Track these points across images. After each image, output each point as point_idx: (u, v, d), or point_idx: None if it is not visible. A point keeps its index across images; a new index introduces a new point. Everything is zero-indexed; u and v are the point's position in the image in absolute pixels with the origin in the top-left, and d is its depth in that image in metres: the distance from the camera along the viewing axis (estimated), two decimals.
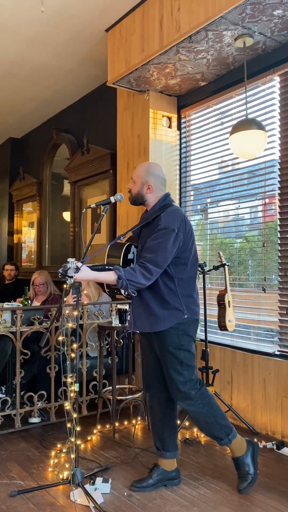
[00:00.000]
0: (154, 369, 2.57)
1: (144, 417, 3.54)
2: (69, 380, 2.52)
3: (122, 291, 2.45)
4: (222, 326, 3.35)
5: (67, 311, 3.61)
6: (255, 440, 3.14)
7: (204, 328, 3.48)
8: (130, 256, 2.58)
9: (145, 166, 2.59)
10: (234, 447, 2.52)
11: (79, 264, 2.30)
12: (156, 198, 2.54)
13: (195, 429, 3.33)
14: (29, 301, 4.06)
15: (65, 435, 3.26)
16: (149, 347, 2.57)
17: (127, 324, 3.45)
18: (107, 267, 2.41)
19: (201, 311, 3.57)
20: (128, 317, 3.22)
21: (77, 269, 2.28)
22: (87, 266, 2.34)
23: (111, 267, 2.36)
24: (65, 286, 2.46)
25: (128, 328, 2.60)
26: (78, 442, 2.66)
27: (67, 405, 2.59)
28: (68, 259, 2.28)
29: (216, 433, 2.50)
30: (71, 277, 2.26)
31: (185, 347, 2.44)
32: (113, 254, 2.53)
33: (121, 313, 3.52)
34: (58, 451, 3.02)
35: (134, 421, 3.54)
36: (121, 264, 2.48)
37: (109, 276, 2.30)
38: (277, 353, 3.31)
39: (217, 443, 2.56)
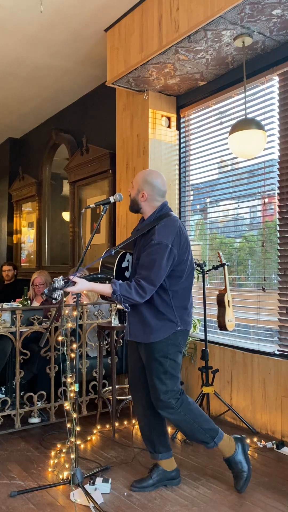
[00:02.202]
0: (139, 374, 2.58)
1: None
2: (69, 380, 2.52)
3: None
4: (222, 326, 3.35)
5: (66, 311, 3.61)
6: (255, 440, 3.14)
7: (204, 328, 3.48)
8: (124, 264, 2.57)
9: (144, 174, 2.54)
10: (222, 448, 2.51)
11: (76, 279, 2.32)
12: (152, 208, 2.52)
13: None
14: (29, 301, 4.06)
15: (65, 435, 3.25)
16: (136, 352, 2.57)
17: (126, 323, 3.45)
18: (100, 276, 2.42)
19: (201, 311, 3.59)
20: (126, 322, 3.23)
21: (71, 283, 2.31)
22: (83, 277, 2.37)
23: (105, 276, 2.38)
24: None
25: (125, 337, 2.61)
26: (78, 442, 2.66)
27: (67, 405, 2.59)
28: (54, 279, 2.29)
29: (201, 437, 2.49)
30: (56, 299, 2.28)
31: (172, 356, 2.44)
32: (108, 261, 2.53)
33: (121, 313, 3.52)
34: (58, 451, 3.02)
35: (134, 421, 3.54)
36: (114, 272, 2.48)
37: (105, 289, 2.34)
38: (276, 352, 3.31)
39: (205, 447, 2.55)
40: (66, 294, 2.32)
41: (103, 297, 2.53)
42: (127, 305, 2.37)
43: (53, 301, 2.30)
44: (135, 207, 2.57)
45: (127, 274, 2.57)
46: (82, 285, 2.34)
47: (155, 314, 2.43)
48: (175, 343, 2.45)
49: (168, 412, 2.46)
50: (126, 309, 2.40)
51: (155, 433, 2.58)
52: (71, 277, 2.32)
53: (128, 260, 2.60)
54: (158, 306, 2.42)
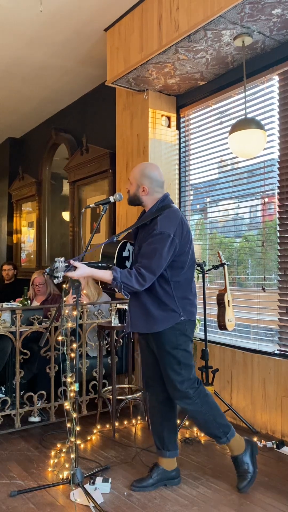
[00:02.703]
0: (153, 369, 2.57)
1: (144, 416, 3.54)
2: (68, 379, 2.52)
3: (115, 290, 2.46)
4: (222, 326, 3.35)
5: (66, 311, 3.61)
6: (255, 439, 3.14)
7: (204, 328, 3.48)
8: (125, 253, 2.58)
9: (141, 168, 2.55)
10: (232, 446, 2.52)
11: (76, 263, 2.31)
12: (153, 200, 2.53)
13: (195, 429, 3.33)
14: (29, 301, 4.06)
15: (65, 435, 3.25)
16: (147, 347, 2.57)
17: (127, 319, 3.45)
18: (100, 264, 2.42)
19: (201, 311, 3.59)
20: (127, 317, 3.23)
21: (72, 267, 2.30)
22: (84, 263, 2.36)
23: (106, 265, 2.38)
24: (64, 286, 2.46)
25: (125, 329, 2.61)
26: (78, 441, 2.66)
27: (67, 405, 2.60)
28: (56, 259, 2.28)
29: (215, 431, 2.50)
30: (58, 277, 2.27)
31: (183, 346, 2.45)
32: (108, 251, 2.53)
33: (121, 313, 3.52)
34: (58, 451, 3.02)
35: (134, 421, 3.54)
36: (115, 261, 2.48)
37: (106, 275, 2.33)
38: (276, 352, 3.32)
39: (216, 442, 2.56)
40: (74, 269, 2.30)
41: (103, 285, 2.51)
42: (127, 292, 2.36)
43: (55, 280, 2.27)
44: (136, 202, 2.57)
45: (127, 264, 2.58)
46: (82, 270, 2.32)
47: (158, 305, 2.42)
48: (184, 333, 2.45)
49: (185, 403, 2.45)
50: (126, 296, 2.39)
51: (167, 429, 2.58)
52: (71, 261, 2.30)
53: (128, 250, 2.60)
54: (161, 297, 2.42)
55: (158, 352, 2.48)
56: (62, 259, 2.29)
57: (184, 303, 2.45)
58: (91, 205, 2.55)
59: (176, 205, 2.58)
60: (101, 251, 2.54)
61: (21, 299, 3.99)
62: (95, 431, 3.37)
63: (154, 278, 2.35)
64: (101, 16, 3.74)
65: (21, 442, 3.19)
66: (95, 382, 3.66)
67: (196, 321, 3.80)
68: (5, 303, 3.82)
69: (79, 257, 2.39)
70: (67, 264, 2.29)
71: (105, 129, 4.84)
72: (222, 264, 3.41)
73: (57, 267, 2.26)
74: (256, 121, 3.14)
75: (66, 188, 5.97)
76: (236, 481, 2.52)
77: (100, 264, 2.43)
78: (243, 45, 3.19)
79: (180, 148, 4.25)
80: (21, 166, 6.64)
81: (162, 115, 4.14)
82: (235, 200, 3.82)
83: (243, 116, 3.22)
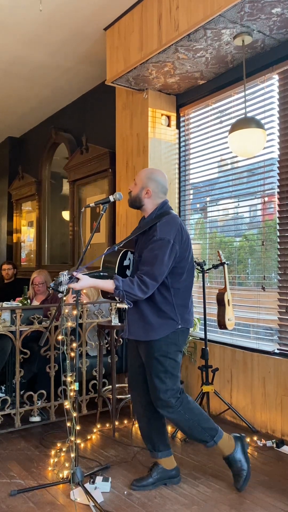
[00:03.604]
0: (138, 373, 2.57)
1: None
2: (68, 379, 2.52)
3: (117, 299, 2.46)
4: (222, 325, 3.35)
5: (66, 310, 3.61)
6: (255, 439, 3.14)
7: (203, 327, 3.48)
8: (126, 262, 2.58)
9: (148, 171, 2.59)
10: (222, 447, 2.51)
11: (79, 275, 2.32)
12: (154, 205, 2.53)
13: None
14: (29, 301, 4.06)
15: (65, 434, 3.26)
16: (135, 350, 2.57)
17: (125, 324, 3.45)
18: (101, 273, 2.43)
19: (201, 310, 3.59)
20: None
21: (75, 279, 2.32)
22: (85, 274, 2.37)
23: (107, 274, 2.39)
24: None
25: (123, 335, 2.61)
26: (78, 441, 2.66)
27: (67, 404, 2.60)
28: (60, 273, 2.30)
29: (201, 436, 2.49)
30: (62, 292, 2.29)
31: (172, 355, 2.44)
32: (109, 260, 2.53)
33: (121, 312, 3.52)
34: (58, 450, 3.02)
35: (134, 420, 3.54)
36: (116, 271, 2.48)
37: (108, 285, 2.33)
38: (276, 351, 3.32)
39: (204, 446, 2.55)
40: (76, 280, 2.33)
41: (104, 295, 2.52)
42: (129, 301, 2.36)
43: (59, 295, 2.30)
44: (136, 204, 2.57)
45: (128, 273, 2.57)
46: (85, 281, 2.34)
47: (156, 312, 2.42)
48: (175, 342, 2.45)
49: (167, 411, 2.45)
50: (129, 305, 2.39)
51: (155, 432, 2.58)
52: (74, 273, 2.32)
53: (129, 259, 2.60)
54: (159, 304, 2.42)
55: (146, 358, 2.47)
56: (66, 272, 2.31)
57: (183, 311, 2.46)
58: (91, 205, 2.55)
59: (174, 211, 2.58)
60: (102, 259, 2.54)
61: (21, 298, 3.99)
62: (95, 430, 3.37)
63: (156, 285, 2.35)
64: (101, 15, 3.74)
65: (21, 442, 3.19)
66: (95, 382, 3.66)
67: (196, 320, 3.83)
68: (5, 302, 3.82)
69: (81, 268, 2.40)
70: (70, 276, 2.31)
71: (105, 129, 4.84)
72: (222, 263, 3.41)
73: (61, 281, 2.28)
74: (256, 120, 3.14)
75: (66, 188, 5.97)
76: (233, 481, 2.52)
77: (101, 273, 2.43)
78: (243, 44, 3.19)
79: (180, 148, 4.25)
80: (21, 166, 6.64)
81: (162, 114, 4.14)
82: (235, 199, 3.82)
83: (243, 115, 3.22)
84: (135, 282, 2.32)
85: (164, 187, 2.56)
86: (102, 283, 2.37)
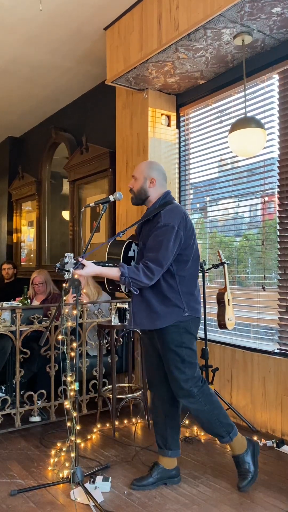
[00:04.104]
0: (157, 368, 2.57)
1: (144, 415, 3.54)
2: (69, 379, 2.52)
3: (123, 287, 2.46)
4: (222, 325, 3.35)
5: (66, 310, 3.61)
6: (255, 438, 3.14)
7: (203, 327, 3.48)
8: (130, 253, 2.58)
9: (147, 163, 2.64)
10: (234, 445, 2.52)
11: (84, 261, 2.32)
12: (158, 194, 2.55)
13: (195, 428, 3.34)
14: (29, 300, 4.06)
15: (65, 434, 3.26)
16: (151, 345, 2.57)
17: (126, 322, 3.45)
18: (107, 264, 2.42)
19: (201, 310, 3.59)
20: (128, 316, 3.23)
21: (81, 265, 2.31)
22: (91, 262, 2.37)
23: (112, 265, 2.38)
24: (64, 285, 2.46)
25: (127, 326, 2.60)
26: (78, 441, 2.66)
27: (67, 404, 2.60)
28: (66, 254, 2.30)
29: (218, 431, 2.50)
30: (68, 271, 2.28)
31: (187, 344, 2.44)
32: (114, 252, 2.53)
33: (121, 312, 3.52)
34: (58, 450, 3.02)
35: (134, 420, 3.54)
36: (121, 261, 2.48)
37: (113, 272, 2.34)
38: (276, 351, 3.32)
39: (218, 441, 2.56)
40: (82, 266, 2.32)
41: (109, 284, 2.51)
42: (135, 288, 2.35)
43: (65, 275, 2.29)
44: (142, 197, 2.57)
45: (133, 263, 2.58)
46: (90, 268, 2.35)
47: (161, 300, 2.42)
48: (188, 331, 2.45)
49: (189, 401, 2.45)
50: (135, 292, 2.38)
51: (170, 428, 2.58)
52: (80, 259, 2.32)
53: (134, 250, 2.61)
54: (165, 292, 2.41)
55: (162, 350, 2.47)
56: (72, 255, 2.31)
57: (189, 299, 2.45)
58: (91, 204, 2.55)
59: (177, 202, 2.59)
60: (107, 251, 2.54)
61: (21, 298, 3.99)
62: (95, 430, 3.37)
63: (162, 271, 2.34)
64: (101, 15, 3.74)
65: (21, 441, 3.19)
66: (95, 381, 3.66)
67: None
68: (5, 302, 3.82)
69: (84, 255, 2.40)
70: (75, 261, 2.31)
71: (105, 128, 4.84)
72: (222, 263, 3.41)
73: (66, 262, 2.27)
74: (256, 120, 3.14)
75: (66, 187, 5.97)
76: (236, 480, 2.53)
77: (106, 264, 2.43)
78: (243, 44, 3.19)
79: (180, 147, 4.25)
80: (21, 165, 6.64)
81: (162, 114, 4.14)
82: (235, 199, 3.82)
83: (243, 115, 3.22)
84: (140, 268, 2.32)
85: (165, 175, 2.62)
86: (107, 270, 2.37)
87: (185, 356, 2.43)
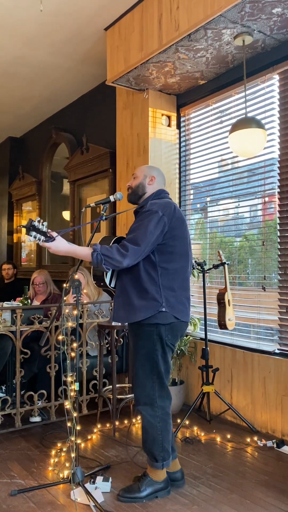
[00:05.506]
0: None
1: None
2: (69, 379, 2.52)
3: (106, 281, 2.41)
4: (222, 325, 3.35)
5: (67, 310, 3.61)
6: (255, 438, 3.14)
7: (204, 327, 3.48)
8: None
9: (148, 165, 2.71)
10: (159, 472, 2.42)
11: (55, 234, 2.23)
12: (154, 191, 2.58)
13: (195, 428, 3.34)
14: (29, 300, 4.06)
15: (65, 434, 3.26)
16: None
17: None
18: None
19: (201, 310, 3.59)
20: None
21: (51, 238, 2.21)
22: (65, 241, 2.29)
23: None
24: (64, 285, 2.46)
25: (109, 320, 2.58)
26: (79, 441, 2.66)
27: (67, 404, 2.60)
28: (37, 218, 2.15)
29: (156, 453, 2.40)
30: (35, 237, 2.12)
31: (160, 352, 2.37)
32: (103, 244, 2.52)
33: None
34: (59, 450, 3.02)
35: (134, 420, 3.54)
36: None
37: (85, 251, 2.28)
38: (277, 351, 3.32)
39: (148, 463, 2.45)
40: (51, 240, 2.19)
41: (94, 278, 2.45)
42: (108, 267, 2.25)
43: (29, 238, 2.11)
44: (138, 192, 2.57)
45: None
46: (60, 244, 2.25)
47: (139, 293, 2.34)
48: (162, 338, 2.36)
49: (147, 411, 2.38)
50: (107, 270, 2.28)
51: (166, 440, 2.50)
52: (52, 233, 2.20)
53: None
54: (144, 284, 2.33)
55: (134, 351, 2.43)
56: (45, 223, 2.17)
57: (168, 294, 2.35)
58: (91, 205, 2.55)
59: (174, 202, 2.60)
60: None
61: (21, 298, 3.99)
62: (95, 430, 3.37)
63: (137, 250, 2.26)
64: (101, 15, 3.74)
65: (22, 441, 3.19)
66: (95, 382, 3.66)
67: (196, 320, 3.83)
68: (5, 302, 3.82)
69: (60, 232, 2.28)
70: (46, 233, 2.16)
71: (105, 129, 4.84)
72: (222, 263, 3.42)
73: (35, 226, 2.12)
74: (256, 120, 3.14)
75: (66, 188, 5.97)
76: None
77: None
78: (243, 44, 3.19)
79: (180, 148, 4.25)
80: (21, 166, 6.64)
81: (162, 114, 4.14)
82: (235, 200, 3.82)
83: (243, 115, 3.22)
84: (114, 246, 2.27)
85: (164, 178, 2.66)
86: (79, 249, 2.30)
87: (157, 364, 2.36)
